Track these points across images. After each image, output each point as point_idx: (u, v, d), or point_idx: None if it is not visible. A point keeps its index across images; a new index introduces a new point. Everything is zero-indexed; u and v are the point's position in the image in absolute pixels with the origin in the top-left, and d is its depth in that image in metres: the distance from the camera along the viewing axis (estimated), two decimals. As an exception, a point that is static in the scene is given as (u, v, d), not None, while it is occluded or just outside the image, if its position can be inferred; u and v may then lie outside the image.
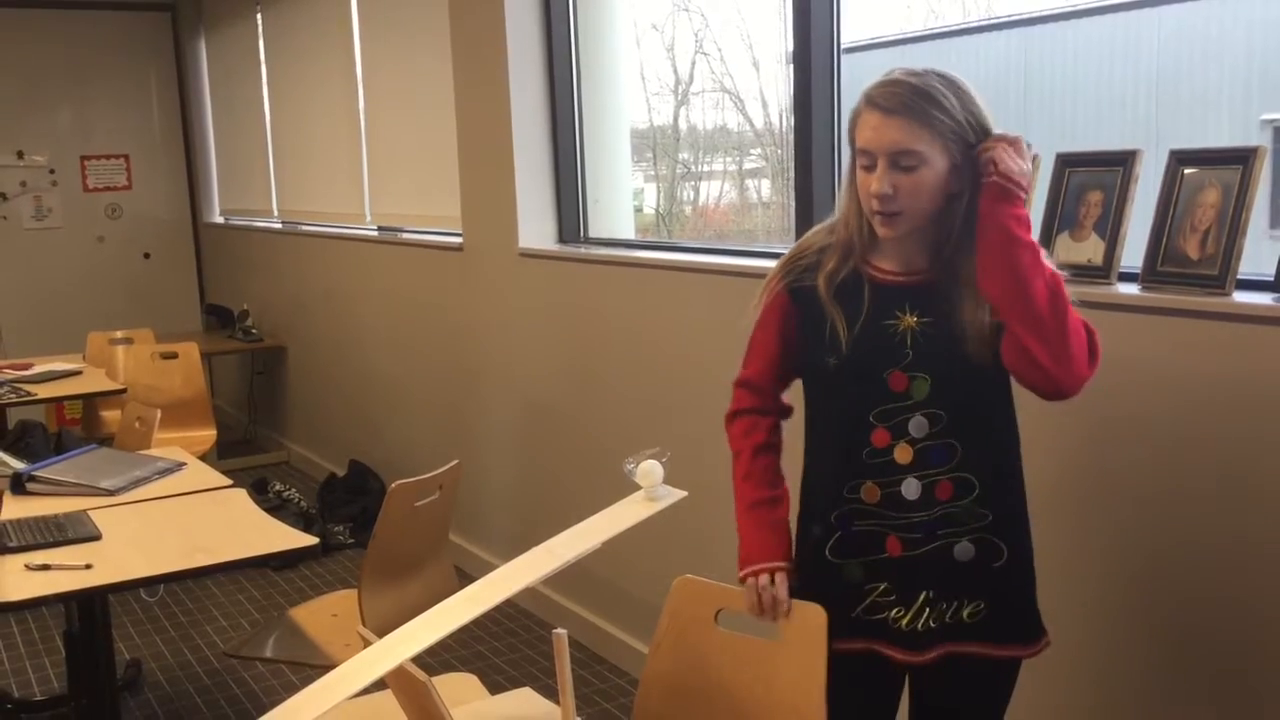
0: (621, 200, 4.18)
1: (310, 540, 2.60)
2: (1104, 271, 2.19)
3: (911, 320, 1.80)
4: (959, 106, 1.71)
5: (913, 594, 1.82)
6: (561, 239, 4.04)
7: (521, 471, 4.21)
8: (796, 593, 1.87)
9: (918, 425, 1.79)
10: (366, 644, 1.62)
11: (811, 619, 1.74)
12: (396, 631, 1.62)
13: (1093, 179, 2.25)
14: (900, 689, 1.93)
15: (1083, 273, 2.22)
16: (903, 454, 1.80)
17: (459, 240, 4.45)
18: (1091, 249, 2.22)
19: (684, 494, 1.82)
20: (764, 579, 1.84)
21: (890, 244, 1.81)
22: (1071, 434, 2.24)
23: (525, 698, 1.75)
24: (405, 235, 5.10)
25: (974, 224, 1.73)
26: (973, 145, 1.72)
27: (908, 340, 1.79)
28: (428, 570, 2.83)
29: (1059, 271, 1.73)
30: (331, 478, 5.59)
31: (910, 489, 1.81)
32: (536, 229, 4.03)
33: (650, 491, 1.83)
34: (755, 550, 1.88)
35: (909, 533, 1.82)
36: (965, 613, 1.82)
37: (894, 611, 1.82)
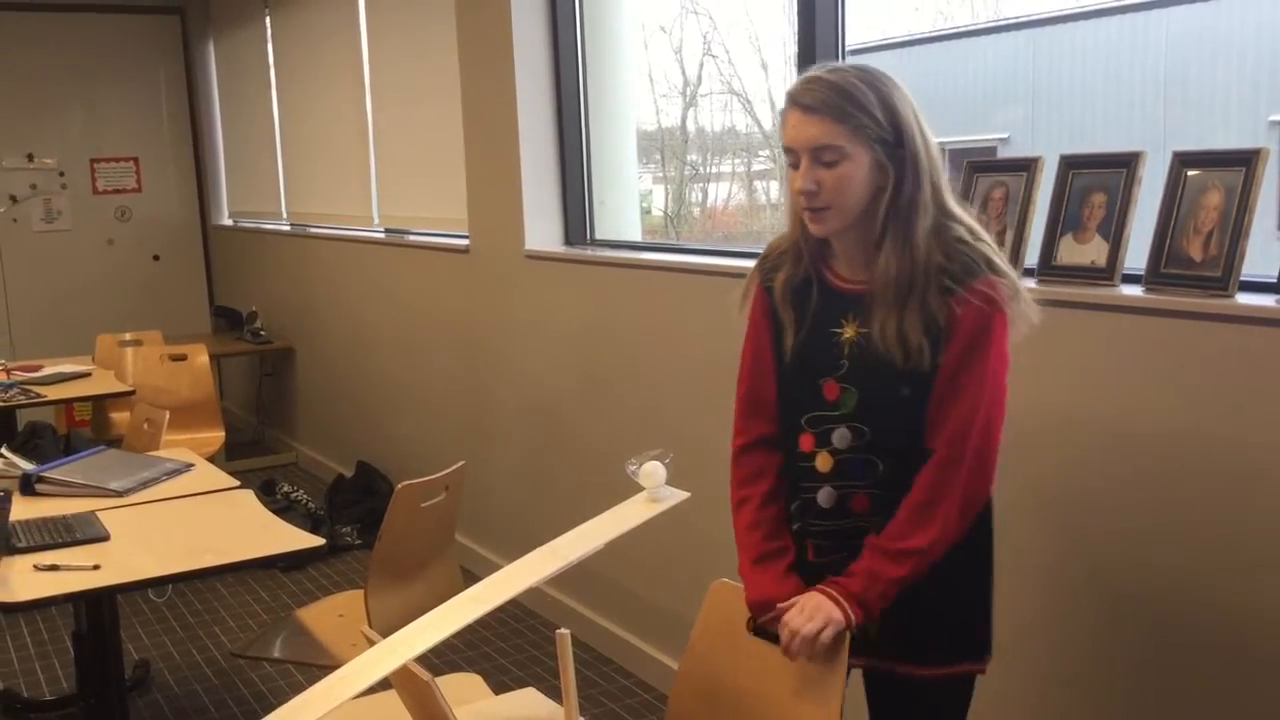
0: (629, 202, 4.19)
1: (317, 541, 2.61)
2: (1107, 273, 2.19)
3: (851, 330, 1.79)
4: (877, 103, 1.71)
5: None
6: (568, 241, 4.05)
7: (527, 472, 4.22)
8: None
9: (840, 436, 1.79)
10: (371, 644, 1.63)
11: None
12: (400, 631, 1.63)
13: (1096, 181, 2.25)
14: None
15: (1086, 275, 2.22)
16: (823, 462, 1.81)
17: (466, 242, 4.47)
18: (1095, 251, 2.23)
19: (687, 495, 1.82)
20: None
21: (843, 249, 1.81)
22: (1073, 436, 2.24)
23: (529, 698, 1.76)
24: (412, 237, 5.12)
25: (903, 235, 1.72)
26: (891, 142, 1.71)
27: (845, 350, 1.79)
28: (434, 571, 2.84)
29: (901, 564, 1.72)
30: (339, 479, 5.61)
31: (824, 497, 1.82)
32: (543, 231, 4.04)
33: (653, 493, 1.84)
34: (765, 582, 1.83)
35: (820, 539, 1.84)
36: (873, 630, 1.77)
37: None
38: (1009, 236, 2.39)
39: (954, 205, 1.77)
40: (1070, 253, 2.27)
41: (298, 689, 1.68)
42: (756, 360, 1.91)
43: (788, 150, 1.76)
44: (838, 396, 1.79)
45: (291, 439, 6.69)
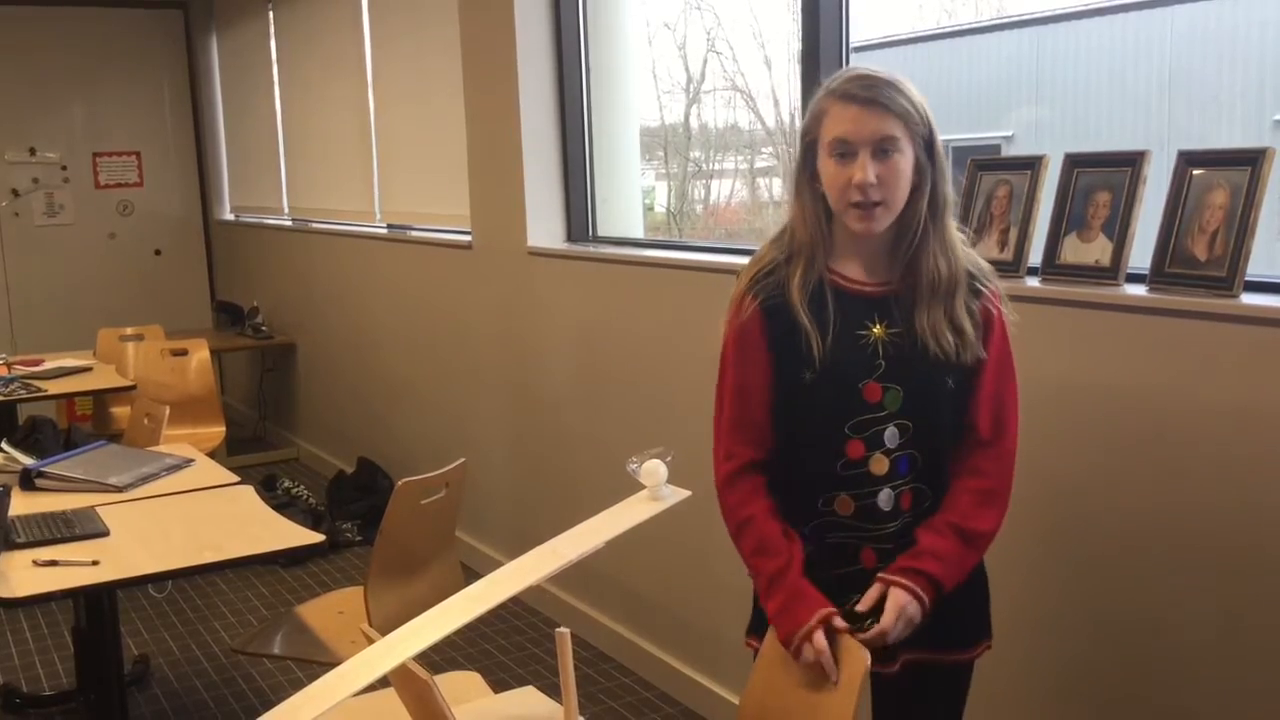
0: (631, 199, 4.18)
1: (317, 538, 2.61)
2: (1112, 273, 2.18)
3: (880, 330, 1.80)
4: (918, 102, 1.77)
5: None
6: (570, 238, 4.04)
7: (528, 469, 4.21)
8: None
9: (891, 436, 1.80)
10: (370, 642, 1.62)
11: (855, 661, 1.69)
12: (400, 630, 1.62)
13: (1101, 179, 2.24)
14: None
15: (1090, 274, 2.21)
16: (878, 465, 1.80)
17: (468, 239, 4.46)
18: (1099, 250, 2.22)
19: (688, 494, 1.81)
20: (818, 642, 1.74)
21: (853, 251, 1.83)
22: (1076, 437, 2.23)
23: (528, 696, 1.75)
24: (414, 233, 5.11)
25: (942, 235, 1.79)
26: (929, 141, 1.77)
27: (879, 350, 1.80)
28: (434, 568, 2.84)
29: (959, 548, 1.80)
30: (340, 475, 5.61)
31: (885, 500, 1.82)
32: (545, 228, 4.03)
33: (654, 491, 1.83)
34: (797, 616, 1.78)
35: (883, 544, 1.83)
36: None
37: (868, 622, 1.78)
38: (1013, 235, 2.38)
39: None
40: (1074, 252, 2.26)
41: (297, 685, 1.67)
42: (744, 381, 1.86)
43: (840, 142, 1.76)
44: (881, 397, 1.79)
45: (293, 435, 6.69)
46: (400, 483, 2.65)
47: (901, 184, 1.76)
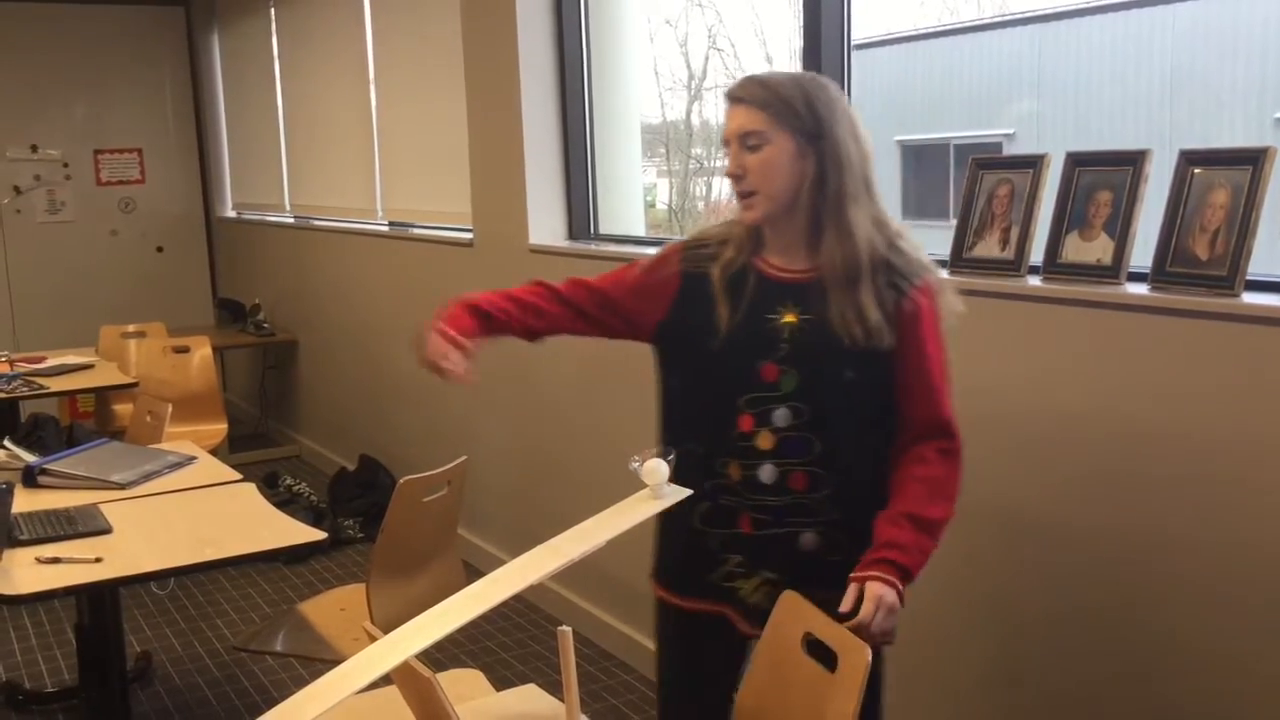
0: (632, 196, 4.18)
1: (319, 535, 2.61)
2: (1113, 271, 2.19)
3: (791, 316, 1.90)
4: (799, 97, 1.86)
5: (755, 572, 1.93)
6: (572, 235, 4.04)
7: (529, 467, 4.22)
8: (673, 560, 2.02)
9: (782, 416, 1.89)
10: (372, 639, 1.63)
11: (857, 657, 1.69)
12: (402, 628, 1.62)
13: (1102, 178, 2.25)
14: (742, 660, 2.01)
15: (1091, 273, 2.21)
16: (764, 440, 1.90)
17: (470, 236, 4.46)
18: (1100, 249, 2.22)
19: (689, 492, 1.82)
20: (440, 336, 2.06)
21: (779, 240, 1.94)
22: (1079, 433, 2.23)
23: (530, 694, 1.75)
24: (416, 230, 5.11)
25: (838, 223, 1.87)
26: (813, 133, 1.86)
27: (785, 334, 1.90)
28: (436, 565, 2.84)
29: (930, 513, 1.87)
30: (342, 472, 5.61)
31: (767, 474, 1.91)
32: (547, 225, 4.04)
33: (655, 489, 1.84)
34: (453, 320, 2.09)
35: (760, 514, 1.92)
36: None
37: (740, 584, 1.94)
38: (1014, 233, 2.38)
39: (885, 209, 1.93)
40: (1076, 250, 2.26)
41: (300, 683, 1.68)
42: (615, 287, 2.11)
43: (724, 143, 1.93)
44: (777, 378, 1.89)
45: (295, 431, 6.69)
46: (402, 480, 2.65)
47: (772, 175, 1.87)
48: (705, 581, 1.97)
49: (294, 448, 6.59)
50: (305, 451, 6.51)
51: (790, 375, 1.89)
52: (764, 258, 1.95)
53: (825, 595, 1.82)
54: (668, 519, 1.95)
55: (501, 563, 1.74)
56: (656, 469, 1.85)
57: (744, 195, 1.90)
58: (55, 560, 2.45)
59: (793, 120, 1.85)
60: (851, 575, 1.84)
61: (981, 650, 2.49)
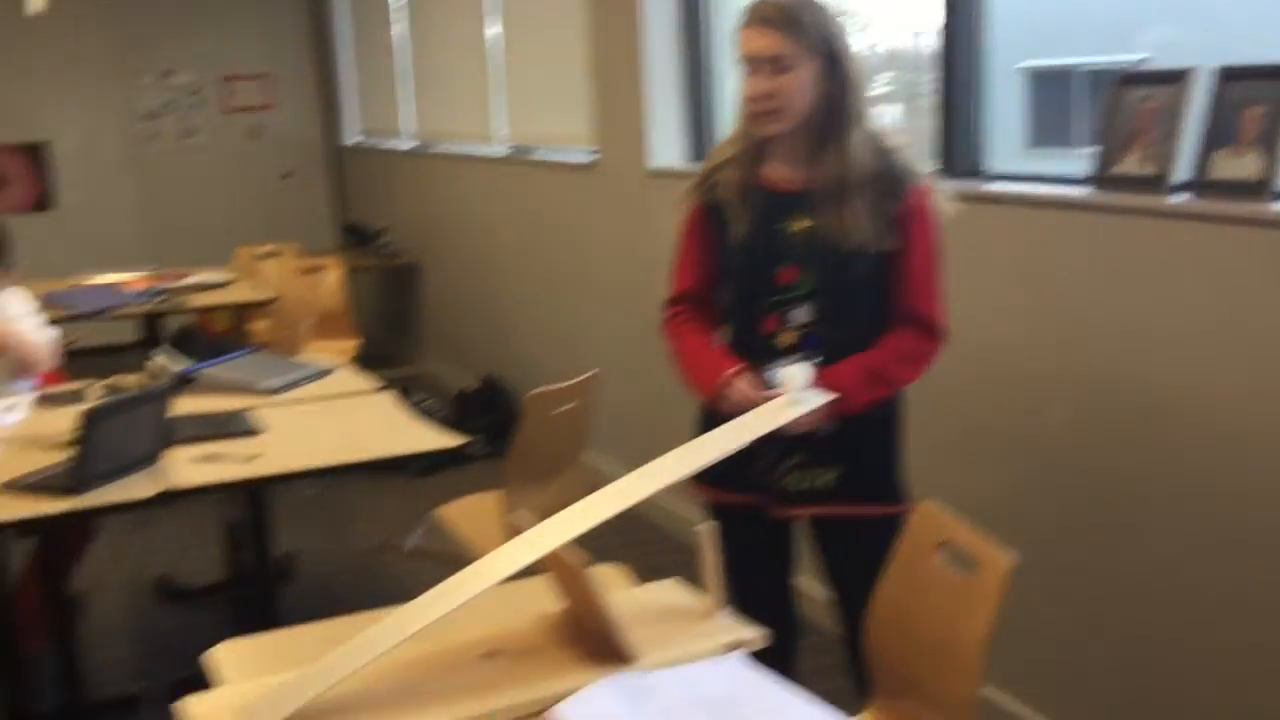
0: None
1: (460, 439, 2.71)
2: (1262, 188, 2.13)
3: (802, 224, 2.09)
4: (819, 23, 2.03)
5: (786, 459, 2.14)
6: (693, 157, 4.05)
7: (650, 388, 4.28)
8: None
9: (802, 314, 2.10)
10: (518, 532, 1.70)
11: (997, 564, 1.69)
12: (546, 521, 1.70)
13: (1255, 92, 2.18)
14: (788, 544, 2.29)
15: (1239, 190, 2.16)
16: (787, 338, 2.11)
17: (590, 159, 4.50)
18: (1251, 165, 2.16)
19: (831, 397, 1.86)
20: (740, 385, 2.10)
21: (785, 153, 2.11)
22: (1229, 354, 2.20)
23: (673, 587, 1.82)
24: (536, 155, 5.16)
25: (840, 138, 2.05)
26: (830, 58, 2.04)
27: (798, 240, 2.09)
28: (566, 477, 2.93)
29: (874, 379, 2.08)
30: (462, 393, 5.75)
31: None
32: (666, 147, 4.05)
33: (795, 395, 1.88)
34: (714, 369, 2.17)
35: None
36: (829, 478, 2.14)
37: (773, 474, 2.16)
38: (1157, 150, 2.33)
39: (873, 119, 2.10)
40: (1225, 167, 2.21)
41: (437, 583, 1.77)
42: (696, 266, 2.25)
43: (744, 60, 2.08)
44: (796, 279, 2.09)
45: (417, 353, 6.87)
46: (531, 393, 2.72)
47: (796, 96, 2.04)
48: (743, 476, 2.15)
49: (416, 368, 6.77)
50: (426, 373, 6.68)
51: (809, 275, 2.09)
52: (766, 172, 2.13)
53: (838, 472, 2.11)
54: (706, 423, 2.16)
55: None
56: (794, 375, 1.89)
57: (769, 113, 2.05)
58: (214, 458, 2.59)
59: (817, 44, 2.03)
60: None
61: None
